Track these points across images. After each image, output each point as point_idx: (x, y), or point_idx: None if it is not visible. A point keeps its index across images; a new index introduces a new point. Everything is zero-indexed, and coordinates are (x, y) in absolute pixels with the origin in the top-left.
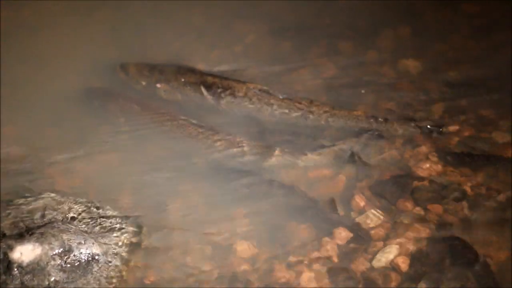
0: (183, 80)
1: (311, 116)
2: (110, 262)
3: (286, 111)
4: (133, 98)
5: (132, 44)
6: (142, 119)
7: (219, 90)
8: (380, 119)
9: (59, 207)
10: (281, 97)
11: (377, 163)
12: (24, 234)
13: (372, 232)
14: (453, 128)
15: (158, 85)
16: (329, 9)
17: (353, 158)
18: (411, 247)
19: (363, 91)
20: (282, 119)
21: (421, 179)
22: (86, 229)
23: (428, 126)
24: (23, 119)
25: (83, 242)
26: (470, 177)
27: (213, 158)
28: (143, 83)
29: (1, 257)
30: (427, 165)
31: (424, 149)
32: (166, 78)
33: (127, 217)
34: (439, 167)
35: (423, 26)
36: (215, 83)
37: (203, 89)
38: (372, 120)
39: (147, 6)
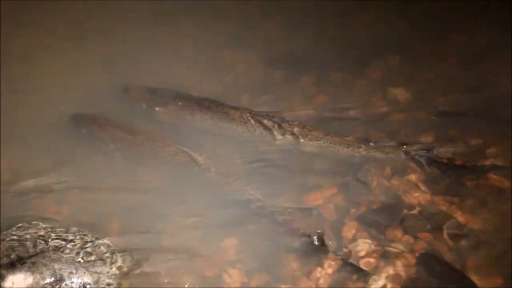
0: (180, 104)
1: (305, 141)
2: None
3: (281, 136)
4: (122, 125)
5: (122, 73)
6: (132, 146)
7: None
8: (371, 144)
9: (51, 236)
10: (275, 120)
11: (367, 192)
12: (15, 263)
13: (362, 261)
14: (442, 156)
15: (157, 108)
16: (320, 39)
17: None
18: (401, 275)
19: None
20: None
21: (411, 207)
22: (77, 258)
23: (419, 152)
24: (15, 147)
25: (74, 272)
26: (459, 205)
27: (204, 185)
28: (144, 105)
29: None
30: (416, 194)
31: (413, 177)
32: (165, 102)
33: (118, 246)
34: (428, 196)
35: (412, 56)
36: (211, 106)
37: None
38: (363, 145)
39: (138, 35)
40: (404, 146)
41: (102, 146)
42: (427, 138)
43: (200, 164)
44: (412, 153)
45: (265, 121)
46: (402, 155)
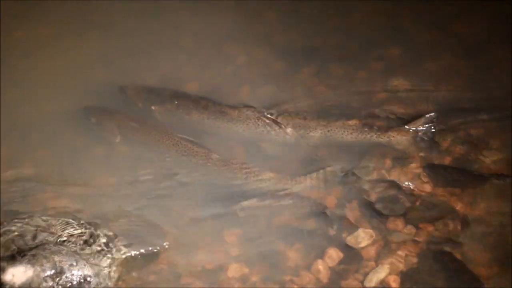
0: (176, 103)
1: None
2: (101, 283)
3: (282, 127)
4: (130, 116)
5: (123, 67)
6: (140, 137)
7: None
8: (375, 127)
9: (51, 229)
10: (273, 113)
11: (368, 183)
12: (15, 256)
13: (363, 251)
14: (443, 147)
15: (153, 107)
16: (320, 30)
17: (346, 178)
18: (402, 266)
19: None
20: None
21: (412, 198)
22: (77, 250)
23: (422, 128)
24: (16, 141)
25: (74, 264)
26: (460, 196)
27: (208, 178)
28: (140, 105)
29: None
30: (418, 184)
31: (414, 168)
32: (161, 101)
33: (118, 239)
34: (429, 186)
35: (413, 46)
36: (208, 105)
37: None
38: (366, 129)
39: (137, 28)
40: (406, 126)
41: (108, 138)
42: None
43: (208, 148)
44: (419, 129)
45: (266, 117)
46: (405, 139)
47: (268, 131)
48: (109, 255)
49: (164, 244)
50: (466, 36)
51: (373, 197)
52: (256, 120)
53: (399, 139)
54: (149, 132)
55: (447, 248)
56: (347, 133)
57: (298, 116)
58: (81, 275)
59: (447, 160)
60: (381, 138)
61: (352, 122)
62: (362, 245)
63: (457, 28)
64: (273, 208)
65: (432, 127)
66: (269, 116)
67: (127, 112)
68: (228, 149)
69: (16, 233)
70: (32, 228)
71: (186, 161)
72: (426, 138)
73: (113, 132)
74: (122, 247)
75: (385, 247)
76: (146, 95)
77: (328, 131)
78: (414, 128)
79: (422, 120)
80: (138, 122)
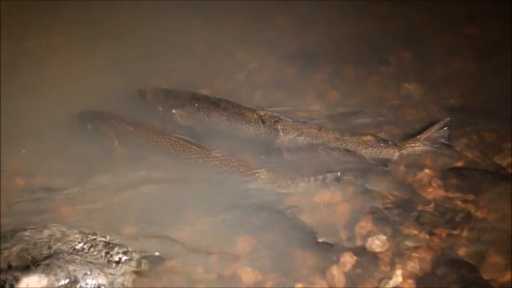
0: (196, 105)
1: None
2: None
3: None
4: (126, 119)
5: (135, 73)
6: (138, 140)
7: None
8: (390, 143)
9: (65, 238)
10: (290, 121)
11: (382, 188)
12: (30, 265)
13: (378, 257)
14: (456, 151)
15: (174, 111)
16: (332, 36)
17: (337, 181)
18: (417, 271)
19: None
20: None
21: (426, 203)
22: (91, 259)
23: (440, 141)
24: (28, 149)
25: (89, 273)
26: (474, 200)
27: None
28: (160, 108)
29: None
30: (431, 189)
31: (428, 173)
32: (181, 104)
33: (132, 247)
34: (443, 191)
35: (424, 50)
36: (228, 108)
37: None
38: (382, 144)
39: (149, 36)
40: (418, 136)
41: (108, 143)
42: None
43: (203, 148)
44: (433, 136)
45: (281, 122)
46: (420, 149)
47: (281, 136)
48: (123, 264)
49: (177, 251)
50: (477, 39)
51: (387, 202)
52: (272, 124)
53: (415, 149)
54: (147, 134)
55: (461, 253)
56: (361, 147)
57: (313, 126)
58: (95, 284)
59: (460, 164)
60: (397, 152)
61: (367, 138)
62: (377, 250)
63: (468, 31)
64: (285, 213)
65: (446, 133)
66: (284, 121)
67: (125, 115)
68: (242, 150)
69: (30, 242)
70: (46, 237)
71: (186, 161)
72: (441, 143)
73: (110, 137)
74: (135, 256)
75: (400, 252)
76: (165, 98)
77: (341, 144)
78: (427, 136)
79: (436, 127)
80: (133, 125)
